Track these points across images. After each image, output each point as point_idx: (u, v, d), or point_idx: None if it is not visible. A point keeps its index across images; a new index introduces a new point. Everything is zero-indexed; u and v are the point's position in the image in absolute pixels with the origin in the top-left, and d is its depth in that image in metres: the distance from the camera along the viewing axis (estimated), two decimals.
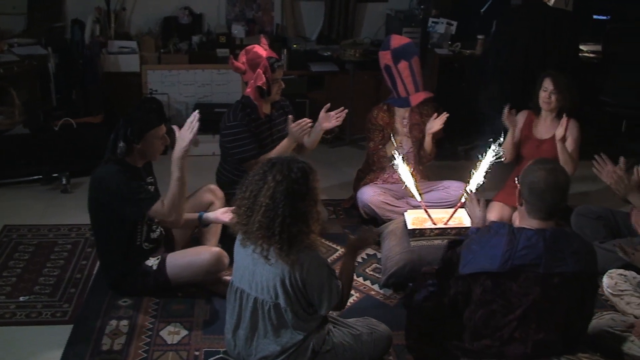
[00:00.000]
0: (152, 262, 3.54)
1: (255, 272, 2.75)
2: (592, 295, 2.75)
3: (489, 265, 2.66)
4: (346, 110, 4.20)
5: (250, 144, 4.02)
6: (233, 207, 3.39)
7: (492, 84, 5.45)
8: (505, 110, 4.39)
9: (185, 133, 3.35)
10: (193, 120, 3.36)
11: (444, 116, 4.38)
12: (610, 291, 3.57)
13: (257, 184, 2.65)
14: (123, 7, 5.99)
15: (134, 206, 3.37)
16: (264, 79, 3.96)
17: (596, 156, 3.76)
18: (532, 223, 2.71)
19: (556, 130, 4.36)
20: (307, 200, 2.64)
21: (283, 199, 2.60)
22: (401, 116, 4.55)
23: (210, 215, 3.63)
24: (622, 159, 3.71)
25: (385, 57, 4.35)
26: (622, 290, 3.52)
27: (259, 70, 3.96)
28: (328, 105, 4.21)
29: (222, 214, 3.58)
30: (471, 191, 3.34)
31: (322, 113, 4.18)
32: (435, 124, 4.40)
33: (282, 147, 4.07)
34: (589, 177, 5.34)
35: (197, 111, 3.43)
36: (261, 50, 4.04)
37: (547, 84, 4.41)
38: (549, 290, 2.63)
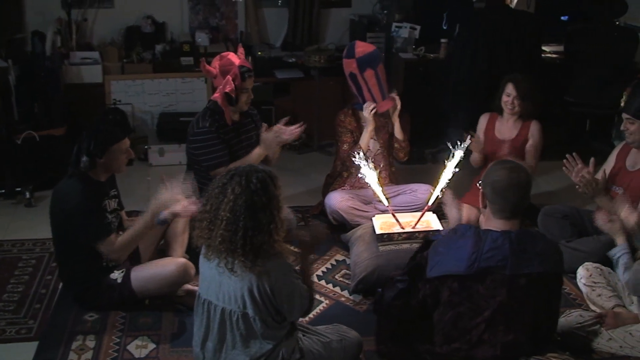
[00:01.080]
0: (117, 275, 3.49)
1: (221, 283, 2.71)
2: (558, 295, 2.77)
3: (455, 268, 2.67)
4: (304, 126, 4.19)
5: (220, 151, 3.99)
6: (187, 198, 3.44)
7: (456, 87, 5.48)
8: (467, 139, 4.39)
9: (176, 203, 3.40)
10: (191, 207, 3.38)
11: (370, 105, 4.35)
12: (584, 282, 3.61)
13: (217, 197, 2.62)
14: (84, 17, 5.92)
15: (84, 233, 3.35)
16: (233, 86, 3.94)
17: (567, 156, 3.80)
18: (497, 224, 2.72)
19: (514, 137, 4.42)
20: (269, 210, 2.60)
21: (243, 211, 2.56)
22: (365, 120, 4.54)
23: (165, 211, 3.55)
24: (592, 160, 3.76)
25: (350, 66, 4.34)
26: (595, 282, 3.56)
27: (228, 77, 3.94)
28: (287, 119, 4.18)
29: (178, 207, 3.49)
30: (448, 192, 3.34)
31: (280, 126, 4.15)
32: (365, 114, 4.38)
33: (254, 155, 4.06)
34: (556, 176, 5.42)
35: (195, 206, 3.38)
36: (235, 58, 4.03)
37: (510, 90, 4.44)
38: (516, 291, 2.64)
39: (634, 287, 3.10)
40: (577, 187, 3.71)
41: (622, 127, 3.84)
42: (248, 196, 2.56)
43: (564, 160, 3.81)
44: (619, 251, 3.28)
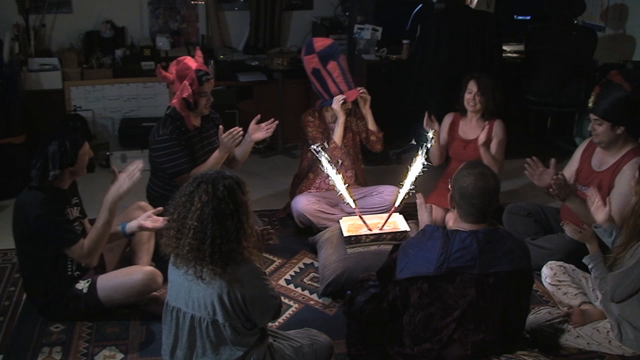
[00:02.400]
0: (82, 285, 3.43)
1: (191, 289, 2.69)
2: (527, 293, 2.80)
3: (425, 269, 2.68)
4: (277, 122, 4.19)
5: (183, 157, 3.95)
6: (155, 211, 3.46)
7: (419, 87, 5.51)
8: (425, 117, 4.43)
9: (125, 179, 3.36)
10: (134, 169, 3.37)
11: (339, 96, 4.35)
12: (549, 281, 3.64)
13: (184, 205, 2.59)
14: (42, 23, 5.82)
15: (51, 242, 3.31)
16: (190, 91, 3.90)
17: (528, 160, 3.83)
18: (465, 226, 2.75)
19: (479, 136, 4.44)
20: (236, 217, 2.59)
21: (211, 219, 2.54)
22: (331, 119, 4.55)
23: (133, 224, 3.51)
24: (553, 161, 3.79)
25: (311, 61, 4.35)
26: (560, 281, 3.59)
27: (185, 81, 3.90)
28: (258, 116, 4.18)
29: (145, 220, 3.48)
30: (420, 196, 3.35)
31: (252, 124, 4.15)
32: (334, 106, 4.38)
33: (214, 159, 4.02)
34: (518, 174, 5.48)
35: (140, 161, 3.44)
36: (192, 62, 3.99)
37: (472, 86, 4.49)
38: (485, 290, 2.67)
39: (612, 296, 3.14)
40: (550, 189, 3.72)
41: (589, 128, 3.86)
42: (215, 204, 2.55)
43: (525, 165, 3.85)
44: (592, 261, 3.29)
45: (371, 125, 4.55)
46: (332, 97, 4.38)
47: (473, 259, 2.65)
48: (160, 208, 3.49)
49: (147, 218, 3.48)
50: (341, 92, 4.35)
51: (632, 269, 3.04)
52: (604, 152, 3.87)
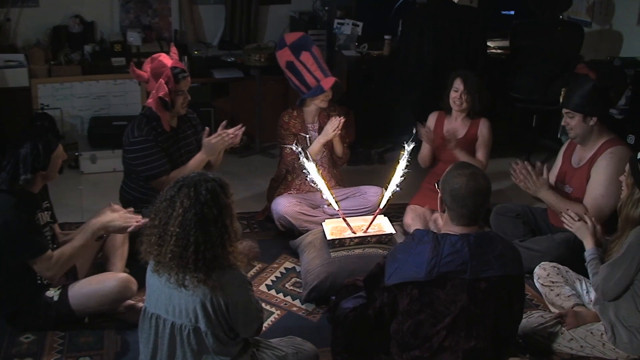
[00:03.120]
0: (53, 293, 3.38)
1: (172, 295, 2.66)
2: (520, 297, 2.80)
3: (415, 274, 2.66)
4: (243, 128, 4.15)
5: (159, 159, 3.91)
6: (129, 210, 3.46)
7: (401, 84, 5.52)
8: (419, 128, 4.45)
9: (119, 219, 3.40)
10: (131, 218, 3.43)
11: (335, 121, 4.37)
12: (541, 282, 3.66)
13: (166, 211, 2.57)
14: (7, 17, 5.73)
15: (18, 251, 3.25)
16: (166, 90, 3.86)
17: (513, 165, 3.88)
18: (455, 229, 2.74)
19: (457, 136, 4.51)
20: (220, 222, 2.57)
21: (193, 225, 2.52)
22: (311, 120, 4.56)
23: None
24: (539, 165, 3.90)
25: (284, 55, 4.39)
26: (553, 282, 3.62)
27: (161, 80, 3.86)
28: (225, 122, 4.14)
29: (119, 221, 3.43)
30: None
31: (220, 130, 4.10)
32: (329, 129, 4.39)
33: (196, 162, 4.01)
34: (504, 174, 5.50)
35: (140, 217, 3.44)
36: (167, 59, 3.95)
37: (458, 84, 4.50)
38: (477, 295, 2.66)
39: (603, 293, 3.16)
40: (517, 182, 3.87)
41: (562, 123, 3.96)
42: (198, 209, 2.53)
43: (511, 170, 3.90)
44: (588, 256, 3.32)
45: (338, 151, 4.55)
46: (309, 89, 4.39)
47: (464, 264, 2.64)
48: (131, 209, 3.51)
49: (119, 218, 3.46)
50: (317, 81, 4.35)
51: (620, 259, 3.08)
52: (582, 148, 3.97)
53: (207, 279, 2.57)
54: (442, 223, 2.83)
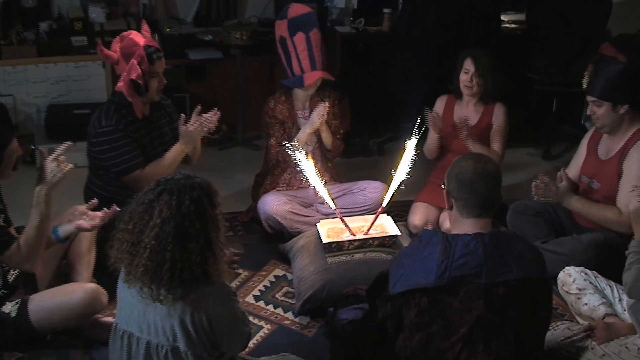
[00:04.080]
0: (10, 307, 3.38)
1: (146, 311, 2.67)
2: (545, 304, 2.81)
3: (423, 280, 2.68)
4: (218, 113, 4.15)
5: (131, 152, 3.92)
6: (89, 205, 3.44)
7: (403, 64, 5.53)
8: (428, 116, 4.48)
9: (53, 166, 3.34)
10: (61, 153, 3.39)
11: (321, 107, 4.41)
12: (566, 289, 3.66)
13: (142, 217, 2.55)
14: None
15: None
16: (139, 72, 3.87)
17: (535, 185, 3.94)
18: (467, 225, 2.75)
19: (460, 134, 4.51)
20: (203, 237, 2.55)
21: (171, 240, 2.51)
22: (301, 106, 4.57)
23: (67, 227, 3.45)
24: (561, 172, 4.01)
25: (281, 28, 4.40)
26: (580, 289, 3.60)
27: (132, 60, 3.87)
28: (199, 107, 4.14)
29: (80, 219, 3.43)
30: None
31: (194, 117, 4.11)
32: (314, 116, 4.43)
33: (174, 153, 4.04)
34: (519, 166, 5.55)
35: (69, 142, 3.46)
36: (139, 37, 3.95)
37: (469, 66, 4.50)
38: (494, 302, 2.68)
39: (629, 290, 3.15)
40: (534, 197, 3.91)
41: (587, 112, 3.95)
42: (178, 221, 2.52)
43: (533, 186, 3.96)
44: (632, 247, 3.24)
45: (324, 139, 4.58)
46: (294, 75, 4.41)
47: (479, 266, 2.66)
48: (95, 201, 3.49)
49: (83, 216, 3.45)
50: (302, 71, 4.37)
51: None
52: (610, 138, 3.97)
53: (185, 296, 2.57)
54: (452, 222, 2.86)
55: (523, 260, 2.72)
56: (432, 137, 4.65)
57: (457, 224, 2.80)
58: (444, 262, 2.67)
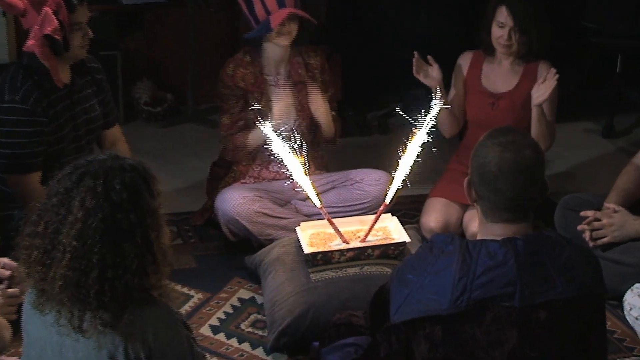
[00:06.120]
0: None
1: (63, 347, 2.68)
2: (601, 329, 2.82)
3: (434, 305, 2.65)
4: None
5: (35, 145, 3.91)
6: None
7: (411, 12, 5.55)
8: (415, 58, 4.50)
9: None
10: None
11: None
12: (635, 315, 3.70)
13: (57, 212, 2.54)
14: None
15: None
16: (56, 24, 3.87)
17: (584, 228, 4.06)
18: (493, 230, 2.74)
19: (534, 89, 4.47)
20: (140, 234, 2.55)
21: (99, 238, 2.51)
22: (273, 70, 4.60)
23: None
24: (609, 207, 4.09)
25: None
26: None
27: (46, 9, 3.87)
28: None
29: None
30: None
31: None
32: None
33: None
34: (571, 146, 5.55)
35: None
36: None
37: (504, 18, 4.48)
38: (533, 331, 2.66)
39: None
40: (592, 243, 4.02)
41: None
42: (107, 213, 2.51)
43: (585, 229, 4.08)
44: None
45: (325, 126, 4.62)
46: (258, 23, 4.42)
47: (510, 284, 2.63)
48: None
49: None
50: (267, 13, 4.36)
51: None
52: None
53: (116, 322, 2.55)
54: (478, 221, 2.83)
55: (571, 273, 2.69)
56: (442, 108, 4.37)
57: (482, 226, 2.79)
58: (463, 279, 2.64)
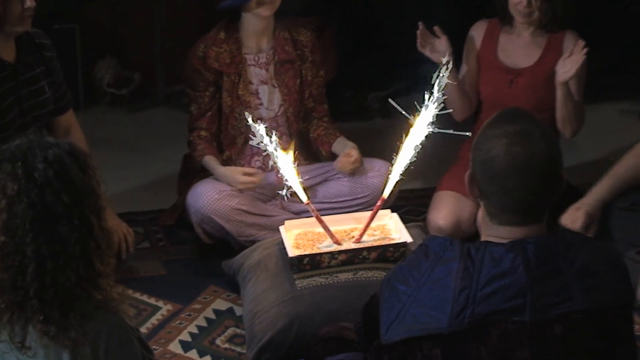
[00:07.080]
0: None
1: None
2: (628, 346, 2.79)
3: (432, 323, 2.64)
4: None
5: None
6: None
7: None
8: (419, 30, 4.53)
9: None
10: None
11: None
12: None
13: None
14: None
15: None
16: None
17: None
18: (499, 232, 2.73)
19: (558, 64, 4.49)
20: (78, 216, 2.56)
21: (29, 226, 2.52)
22: (255, 47, 4.63)
23: None
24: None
25: None
26: None
27: None
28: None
29: None
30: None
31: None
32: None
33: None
34: (603, 130, 5.56)
35: None
36: None
37: None
38: (548, 349, 2.66)
39: None
40: None
41: None
42: (34, 196, 2.51)
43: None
44: None
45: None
46: None
47: (520, 294, 2.62)
48: None
49: None
50: None
51: None
52: None
53: (62, 331, 2.56)
54: (481, 220, 2.82)
55: (591, 279, 2.67)
56: (454, 86, 4.39)
57: (487, 227, 2.78)
58: (465, 291, 2.61)
